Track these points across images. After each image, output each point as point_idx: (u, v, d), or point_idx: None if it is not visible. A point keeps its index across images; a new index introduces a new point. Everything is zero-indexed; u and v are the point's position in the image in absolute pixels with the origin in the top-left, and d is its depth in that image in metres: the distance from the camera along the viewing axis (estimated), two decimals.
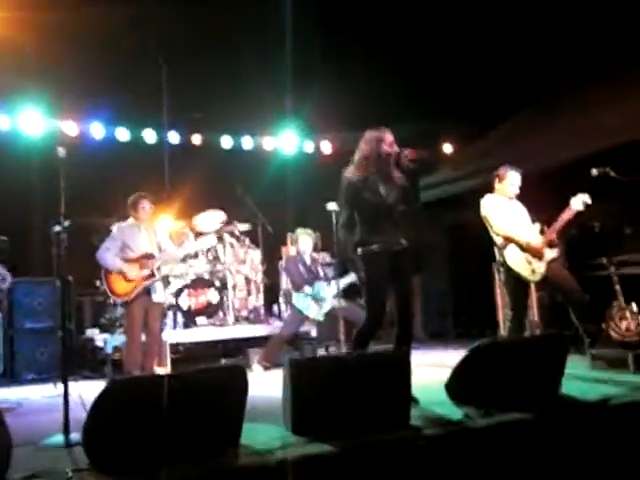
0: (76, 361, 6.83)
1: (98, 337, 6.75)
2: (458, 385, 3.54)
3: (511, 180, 5.04)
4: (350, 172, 4.06)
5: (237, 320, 7.00)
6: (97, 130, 8.24)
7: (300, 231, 6.73)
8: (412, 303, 4.27)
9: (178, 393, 2.75)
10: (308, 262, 6.65)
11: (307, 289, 6.37)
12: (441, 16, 6.68)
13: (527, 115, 7.67)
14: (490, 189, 5.27)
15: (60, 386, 3.60)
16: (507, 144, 7.74)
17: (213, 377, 3.05)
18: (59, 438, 3.29)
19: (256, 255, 7.57)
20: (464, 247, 8.81)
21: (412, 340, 4.19)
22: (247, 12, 6.44)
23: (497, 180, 5.09)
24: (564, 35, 6.54)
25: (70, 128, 8.01)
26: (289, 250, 7.61)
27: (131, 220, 5.82)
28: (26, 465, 2.75)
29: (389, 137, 4.04)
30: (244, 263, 7.43)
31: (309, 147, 9.55)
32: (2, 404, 4.92)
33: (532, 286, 5.76)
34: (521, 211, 5.11)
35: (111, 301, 6.78)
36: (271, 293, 7.81)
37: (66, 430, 3.32)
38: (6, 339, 6.73)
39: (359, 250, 4.03)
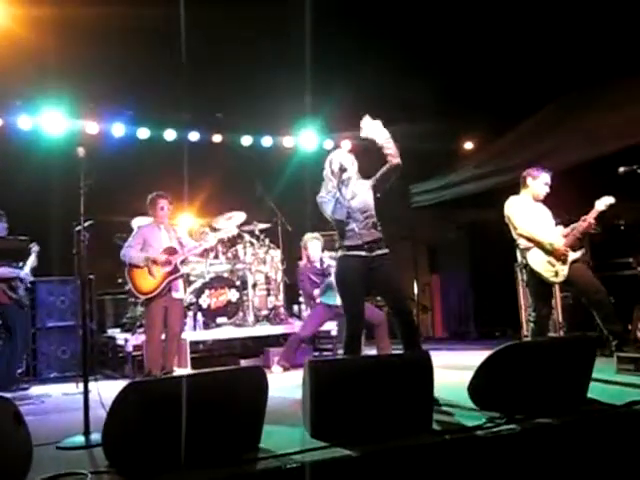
0: (97, 360, 6.88)
1: (119, 336, 6.78)
2: (481, 388, 3.46)
3: (544, 180, 5.01)
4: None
5: (257, 319, 6.98)
6: (118, 129, 8.28)
7: (309, 236, 6.65)
8: (407, 305, 4.23)
9: (198, 394, 2.73)
10: (319, 266, 6.58)
11: (317, 293, 6.30)
12: (462, 14, 6.60)
13: (549, 113, 7.55)
14: (513, 187, 5.19)
15: (81, 385, 3.60)
16: (529, 142, 7.63)
17: (233, 378, 3.03)
18: (79, 439, 3.29)
19: (276, 254, 7.54)
20: (485, 246, 8.70)
21: (419, 342, 4.17)
22: (266, 12, 6.41)
23: (529, 179, 5.02)
24: (587, 32, 6.43)
25: (91, 127, 8.04)
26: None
27: (150, 220, 5.84)
28: (46, 466, 2.75)
29: (338, 159, 4.14)
30: (264, 262, 7.41)
31: (328, 145, 9.49)
32: (24, 402, 4.96)
33: (556, 287, 5.67)
34: (545, 213, 5.04)
35: (132, 300, 6.82)
36: (291, 292, 7.78)
37: (86, 431, 3.32)
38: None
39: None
